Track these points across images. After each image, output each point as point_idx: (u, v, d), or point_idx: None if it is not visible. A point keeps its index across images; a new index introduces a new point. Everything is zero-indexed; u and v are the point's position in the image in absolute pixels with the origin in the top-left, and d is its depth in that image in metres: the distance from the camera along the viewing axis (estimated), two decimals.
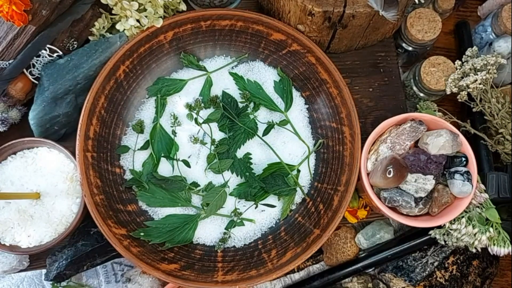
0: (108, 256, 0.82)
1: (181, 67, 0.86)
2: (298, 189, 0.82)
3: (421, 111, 0.87)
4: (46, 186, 0.79)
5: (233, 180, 0.82)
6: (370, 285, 0.89)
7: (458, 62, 0.87)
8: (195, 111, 0.82)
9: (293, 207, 0.83)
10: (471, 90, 0.83)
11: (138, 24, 0.79)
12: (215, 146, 0.81)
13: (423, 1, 0.91)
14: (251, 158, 0.82)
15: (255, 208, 0.81)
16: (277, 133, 0.83)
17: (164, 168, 0.82)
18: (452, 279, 0.86)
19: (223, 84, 0.85)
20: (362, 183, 0.78)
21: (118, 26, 0.80)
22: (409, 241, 0.86)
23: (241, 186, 0.81)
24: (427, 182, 0.75)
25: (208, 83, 0.84)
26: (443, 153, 0.76)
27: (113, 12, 0.79)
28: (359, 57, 0.92)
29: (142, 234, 0.77)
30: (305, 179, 0.83)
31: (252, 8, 0.90)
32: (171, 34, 0.82)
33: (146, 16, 0.78)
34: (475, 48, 0.88)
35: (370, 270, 0.90)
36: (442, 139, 0.75)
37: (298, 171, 0.83)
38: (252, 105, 0.84)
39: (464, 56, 0.88)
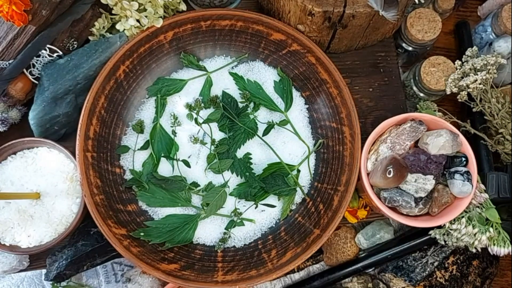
0: (108, 256, 0.82)
1: (181, 67, 0.86)
2: (298, 189, 0.82)
3: (421, 111, 0.87)
4: (46, 186, 0.79)
5: (233, 180, 0.82)
6: (370, 285, 0.89)
7: (458, 62, 0.87)
8: (195, 111, 0.82)
9: (293, 207, 0.83)
10: (471, 90, 0.83)
11: (138, 24, 0.79)
12: (215, 146, 0.81)
13: (423, 1, 0.91)
14: (251, 158, 0.82)
15: (255, 208, 0.81)
16: (277, 133, 0.83)
17: (164, 168, 0.82)
18: (452, 279, 0.86)
19: (223, 84, 0.85)
20: (362, 183, 0.78)
21: (118, 26, 0.80)
22: (409, 241, 0.86)
23: (241, 186, 0.81)
24: (427, 182, 0.75)
25: (208, 83, 0.84)
26: (443, 153, 0.76)
27: (113, 12, 0.79)
28: (359, 57, 0.92)
29: (142, 234, 0.77)
30: (305, 179, 0.83)
31: (252, 8, 0.90)
32: (171, 34, 0.82)
33: (146, 16, 0.78)
34: (475, 48, 0.88)
35: (370, 270, 0.90)
36: (442, 139, 0.75)
37: (298, 171, 0.83)
38: (252, 105, 0.84)
39: (464, 56, 0.88)
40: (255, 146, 0.83)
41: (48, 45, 0.78)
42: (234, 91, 0.85)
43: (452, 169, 0.76)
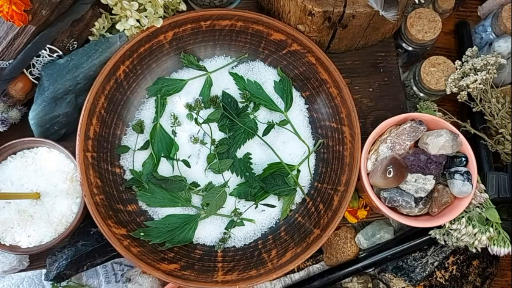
0: (108, 256, 0.82)
1: (181, 67, 0.86)
2: (298, 189, 0.82)
3: (421, 111, 0.87)
4: (46, 186, 0.79)
5: (233, 180, 0.82)
6: (370, 285, 0.89)
7: (458, 62, 0.87)
8: (195, 111, 0.82)
9: (293, 207, 0.83)
10: (471, 90, 0.83)
11: (138, 24, 0.79)
12: (215, 146, 0.81)
13: (423, 1, 0.91)
14: (251, 158, 0.82)
15: (255, 208, 0.81)
16: (277, 133, 0.83)
17: (164, 168, 0.82)
18: (452, 279, 0.86)
19: (223, 84, 0.85)
20: (362, 183, 0.78)
21: (118, 26, 0.80)
22: (409, 241, 0.86)
23: (241, 186, 0.81)
24: (427, 182, 0.75)
25: (208, 83, 0.84)
26: (443, 153, 0.76)
27: (113, 12, 0.79)
28: (359, 57, 0.92)
29: (142, 234, 0.77)
30: (305, 179, 0.83)
31: (252, 8, 0.90)
32: (171, 34, 0.82)
33: (146, 16, 0.78)
34: (475, 48, 0.88)
35: (370, 270, 0.90)
36: (442, 139, 0.75)
37: (298, 171, 0.83)
38: (252, 105, 0.84)
39: (464, 56, 0.88)
40: (255, 146, 0.83)
41: (48, 45, 0.78)
42: (234, 91, 0.85)
43: (452, 169, 0.76)
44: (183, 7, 0.82)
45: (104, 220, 0.75)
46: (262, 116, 0.84)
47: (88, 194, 0.75)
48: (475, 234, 0.77)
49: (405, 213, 0.77)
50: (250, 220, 0.81)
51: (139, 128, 0.82)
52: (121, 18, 0.79)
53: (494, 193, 0.81)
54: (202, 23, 0.83)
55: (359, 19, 0.79)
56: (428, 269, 0.85)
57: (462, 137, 0.77)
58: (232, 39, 0.85)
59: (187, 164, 0.82)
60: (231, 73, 0.85)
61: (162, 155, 0.82)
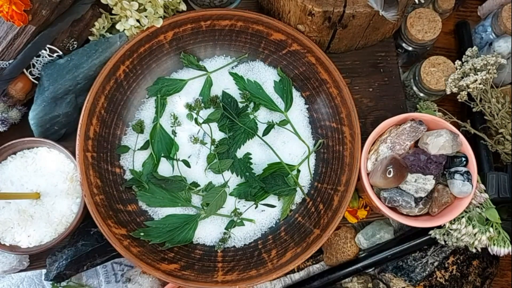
0: (108, 256, 0.82)
1: (181, 67, 0.86)
2: (298, 189, 0.82)
3: (421, 111, 0.87)
4: (46, 186, 0.79)
5: (233, 180, 0.82)
6: (370, 285, 0.89)
7: (458, 62, 0.87)
8: (195, 111, 0.82)
9: (293, 207, 0.83)
10: (471, 90, 0.83)
11: (138, 24, 0.79)
12: (215, 146, 0.81)
13: (423, 1, 0.91)
14: (251, 158, 0.82)
15: (255, 208, 0.81)
16: (277, 133, 0.83)
17: (164, 168, 0.82)
18: (452, 279, 0.86)
19: (223, 84, 0.85)
20: (362, 183, 0.78)
21: (118, 26, 0.80)
22: (409, 241, 0.86)
23: (241, 186, 0.81)
24: (427, 182, 0.75)
25: (208, 83, 0.84)
26: (443, 153, 0.76)
27: (113, 12, 0.79)
28: (359, 57, 0.92)
29: (142, 234, 0.77)
30: (305, 179, 0.83)
31: (252, 8, 0.90)
32: (171, 34, 0.82)
33: (146, 16, 0.78)
34: (475, 48, 0.88)
35: (370, 270, 0.90)
36: (442, 139, 0.75)
37: (298, 171, 0.83)
38: (252, 105, 0.84)
39: (464, 56, 0.88)
40: (255, 146, 0.83)
41: (48, 45, 0.78)
42: (234, 91, 0.85)
43: (452, 169, 0.76)
44: (183, 7, 0.82)
45: (104, 220, 0.75)
46: (262, 116, 0.84)
47: (88, 194, 0.75)
48: (475, 234, 0.77)
49: (405, 213, 0.77)
50: (250, 220, 0.81)
51: (139, 128, 0.82)
52: (121, 18, 0.79)
53: (494, 193, 0.81)
54: (202, 23, 0.83)
55: (359, 19, 0.79)
56: (428, 269, 0.85)
57: (462, 137, 0.77)
58: (232, 39, 0.85)
59: (187, 164, 0.82)
60: (231, 73, 0.85)
61: (162, 155, 0.82)
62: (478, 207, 0.78)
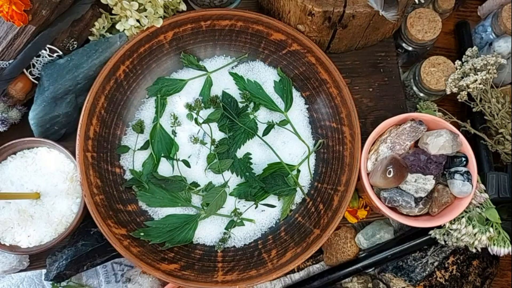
0: (108, 256, 0.82)
1: (181, 67, 0.86)
2: (298, 189, 0.82)
3: (421, 111, 0.87)
4: (46, 186, 0.79)
5: (233, 180, 0.82)
6: (370, 285, 0.89)
7: (458, 62, 0.87)
8: (195, 111, 0.82)
9: (293, 207, 0.83)
10: (471, 90, 0.83)
11: (138, 24, 0.79)
12: (215, 146, 0.81)
13: (423, 1, 0.91)
14: (251, 158, 0.83)
15: (255, 208, 0.81)
16: (277, 133, 0.83)
17: (164, 168, 0.82)
18: (452, 279, 0.86)
19: (223, 84, 0.85)
20: (362, 183, 0.78)
21: (118, 26, 0.80)
22: (409, 241, 0.86)
23: (241, 186, 0.81)
24: (427, 182, 0.75)
25: (208, 83, 0.84)
26: (443, 153, 0.76)
27: (113, 12, 0.79)
28: (359, 57, 0.92)
29: (142, 234, 0.77)
30: (305, 179, 0.83)
31: (252, 8, 0.90)
32: (171, 34, 0.82)
33: (146, 16, 0.78)
34: (475, 48, 0.88)
35: (370, 270, 0.90)
36: (442, 139, 0.75)
37: (298, 171, 0.83)
38: (252, 105, 0.84)
39: (464, 56, 0.88)
40: (255, 146, 0.83)
41: (48, 45, 0.78)
42: (234, 91, 0.85)
43: (452, 169, 0.76)
44: (183, 7, 0.82)
45: (104, 220, 0.75)
46: (262, 116, 0.84)
47: (88, 194, 0.75)
48: (475, 234, 0.77)
49: (405, 213, 0.77)
50: (250, 220, 0.81)
51: (139, 128, 0.82)
52: (121, 18, 0.79)
53: (494, 193, 0.81)
54: (202, 23, 0.83)
55: (359, 19, 0.79)
56: (428, 269, 0.85)
57: (462, 137, 0.77)
58: (232, 39, 0.85)
59: (187, 164, 0.82)
60: (231, 73, 0.85)
61: (162, 155, 0.82)
62: (478, 207, 0.78)
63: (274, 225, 0.82)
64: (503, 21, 0.89)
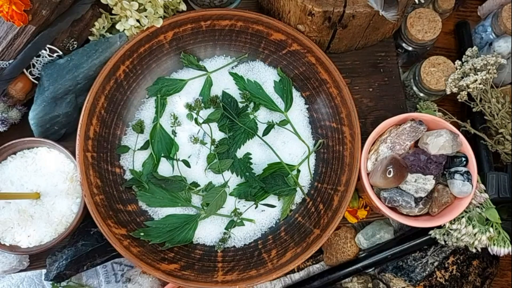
0: (108, 256, 0.82)
1: (181, 67, 0.86)
2: (298, 189, 0.82)
3: (421, 111, 0.87)
4: (46, 186, 0.79)
5: (233, 180, 0.82)
6: (370, 285, 0.89)
7: (458, 62, 0.87)
8: (195, 111, 0.82)
9: (293, 207, 0.83)
10: (471, 90, 0.83)
11: (138, 24, 0.79)
12: (215, 146, 0.81)
13: (423, 1, 0.91)
14: (251, 158, 0.83)
15: (255, 208, 0.81)
16: (277, 133, 0.83)
17: (164, 168, 0.82)
18: (452, 279, 0.86)
19: (223, 84, 0.85)
20: (362, 183, 0.78)
21: (118, 26, 0.80)
22: (409, 241, 0.86)
23: (241, 186, 0.81)
24: (427, 182, 0.75)
25: (208, 83, 0.84)
26: (443, 153, 0.76)
27: (113, 12, 0.79)
28: (359, 57, 0.92)
29: (142, 234, 0.77)
30: (305, 179, 0.83)
31: (252, 8, 0.90)
32: (171, 34, 0.82)
33: (146, 16, 0.78)
34: (475, 48, 0.88)
35: (370, 270, 0.90)
36: (442, 139, 0.75)
37: (298, 171, 0.83)
38: (252, 105, 0.84)
39: (464, 56, 0.88)
40: (255, 146, 0.83)
41: (48, 45, 0.78)
42: (234, 91, 0.85)
43: (452, 169, 0.76)
44: (183, 7, 0.82)
45: (104, 220, 0.75)
46: (262, 116, 0.84)
47: (88, 194, 0.75)
48: (475, 234, 0.77)
49: (405, 213, 0.77)
50: (250, 220, 0.81)
51: (139, 128, 0.82)
52: (121, 18, 0.79)
53: (494, 193, 0.81)
54: (202, 23, 0.83)
55: (359, 19, 0.79)
56: (428, 269, 0.85)
57: (462, 137, 0.77)
58: (232, 39, 0.85)
59: (187, 164, 0.82)
60: (231, 73, 0.85)
61: (162, 155, 0.82)
62: (478, 207, 0.78)
63: (274, 225, 0.82)
64: (503, 21, 0.89)
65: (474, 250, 0.78)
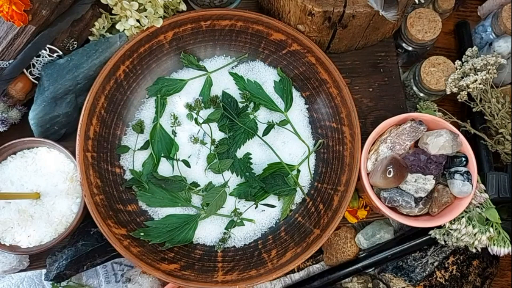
0: (108, 256, 0.82)
1: (181, 67, 0.86)
2: (298, 189, 0.82)
3: (421, 111, 0.87)
4: (46, 186, 0.79)
5: (233, 180, 0.82)
6: (370, 285, 0.89)
7: (458, 62, 0.87)
8: (195, 111, 0.82)
9: (293, 207, 0.83)
10: (471, 90, 0.83)
11: (138, 24, 0.79)
12: (215, 146, 0.81)
13: (423, 1, 0.91)
14: (251, 158, 0.83)
15: (255, 208, 0.81)
16: (277, 133, 0.83)
17: (164, 168, 0.82)
18: (452, 279, 0.86)
19: (223, 84, 0.85)
20: (362, 183, 0.78)
21: (118, 26, 0.80)
22: (409, 241, 0.86)
23: (241, 186, 0.81)
24: (427, 182, 0.75)
25: (208, 83, 0.84)
26: (443, 153, 0.76)
27: (113, 12, 0.79)
28: (359, 57, 0.92)
29: (142, 234, 0.77)
30: (305, 179, 0.83)
31: (252, 8, 0.90)
32: (171, 34, 0.82)
33: (146, 16, 0.78)
34: (475, 48, 0.88)
35: (370, 270, 0.90)
36: (442, 139, 0.75)
37: (298, 171, 0.83)
38: (252, 105, 0.84)
39: (464, 56, 0.88)
40: (255, 146, 0.83)
41: (48, 45, 0.78)
42: (234, 91, 0.85)
43: (452, 169, 0.76)
44: (183, 7, 0.82)
45: (104, 220, 0.75)
46: (262, 116, 0.84)
47: (88, 194, 0.75)
48: (475, 234, 0.77)
49: (405, 213, 0.77)
50: (250, 220, 0.81)
51: (139, 128, 0.82)
52: (121, 18, 0.79)
53: (494, 193, 0.81)
54: (202, 23, 0.83)
55: (359, 19, 0.79)
56: (428, 269, 0.85)
57: (462, 137, 0.77)
58: (232, 39, 0.85)
59: (187, 164, 0.82)
60: (231, 73, 0.85)
61: (162, 155, 0.82)
62: (478, 207, 0.78)
63: (274, 225, 0.82)
64: (503, 21, 0.89)
65: (474, 250, 0.78)
